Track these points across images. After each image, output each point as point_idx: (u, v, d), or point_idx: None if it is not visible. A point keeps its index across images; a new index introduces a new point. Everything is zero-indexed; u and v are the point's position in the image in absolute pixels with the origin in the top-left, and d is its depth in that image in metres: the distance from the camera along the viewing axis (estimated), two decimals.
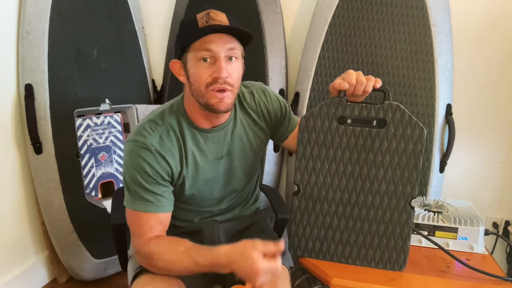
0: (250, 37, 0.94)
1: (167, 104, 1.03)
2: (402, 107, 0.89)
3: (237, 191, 1.11)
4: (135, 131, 0.97)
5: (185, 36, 0.92)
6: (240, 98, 1.07)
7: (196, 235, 1.10)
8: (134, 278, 0.97)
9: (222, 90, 0.91)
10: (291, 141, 1.13)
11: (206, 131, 1.00)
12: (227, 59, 0.91)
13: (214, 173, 1.04)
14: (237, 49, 0.93)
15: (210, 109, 0.94)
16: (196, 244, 0.90)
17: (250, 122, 1.07)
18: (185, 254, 0.88)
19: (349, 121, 0.92)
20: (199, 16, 0.91)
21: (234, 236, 1.13)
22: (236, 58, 0.93)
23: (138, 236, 0.95)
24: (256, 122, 1.08)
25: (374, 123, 0.91)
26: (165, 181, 0.96)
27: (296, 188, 0.98)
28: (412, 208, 0.92)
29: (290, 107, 1.15)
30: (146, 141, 0.94)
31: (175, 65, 0.98)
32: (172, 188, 1.00)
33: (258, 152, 1.11)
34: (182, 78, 0.97)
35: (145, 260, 0.94)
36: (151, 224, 0.95)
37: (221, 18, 0.91)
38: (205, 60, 0.90)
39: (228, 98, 0.93)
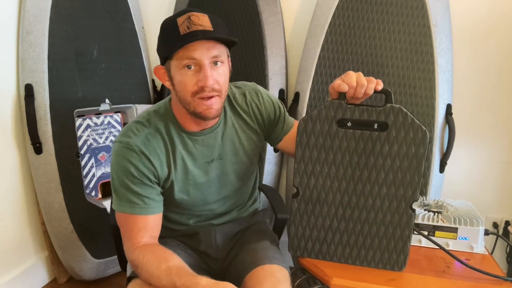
0: (234, 42, 0.91)
1: (153, 107, 1.02)
2: (405, 110, 0.87)
3: (231, 195, 1.09)
4: (122, 132, 0.97)
5: (166, 43, 0.89)
6: (230, 99, 1.04)
7: (193, 238, 1.09)
8: (129, 279, 0.97)
9: (209, 97, 0.89)
10: (285, 143, 1.10)
11: (194, 134, 0.99)
12: (212, 64, 0.89)
13: (205, 177, 1.03)
14: (222, 54, 0.90)
15: (199, 117, 0.92)
16: (181, 265, 0.87)
17: (242, 124, 1.05)
18: (165, 273, 0.85)
19: (349, 124, 0.90)
20: (179, 20, 0.87)
21: (232, 238, 1.12)
22: (221, 62, 0.90)
23: (127, 239, 0.95)
24: (248, 124, 1.05)
25: (375, 126, 0.89)
26: (151, 182, 0.95)
27: (295, 190, 0.98)
28: (413, 210, 0.92)
29: (285, 108, 1.12)
30: (130, 141, 0.93)
31: (159, 71, 0.95)
32: (160, 189, 0.99)
33: (252, 155, 1.08)
34: (167, 84, 0.95)
35: (132, 265, 0.94)
36: (139, 227, 0.94)
37: (202, 21, 0.87)
38: (189, 67, 0.88)
39: (216, 104, 0.92)
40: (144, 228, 0.95)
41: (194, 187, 1.02)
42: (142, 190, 0.94)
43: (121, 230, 0.97)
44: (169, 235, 1.09)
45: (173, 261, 0.88)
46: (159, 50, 0.93)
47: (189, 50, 0.86)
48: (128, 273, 1.01)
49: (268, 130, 1.09)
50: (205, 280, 0.81)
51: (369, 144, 0.91)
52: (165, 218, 1.02)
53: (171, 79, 0.93)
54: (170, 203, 1.03)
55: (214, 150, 1.02)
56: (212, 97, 0.90)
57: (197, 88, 0.89)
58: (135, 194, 0.93)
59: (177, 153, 0.98)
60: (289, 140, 1.09)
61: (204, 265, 1.09)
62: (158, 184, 0.98)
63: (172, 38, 0.87)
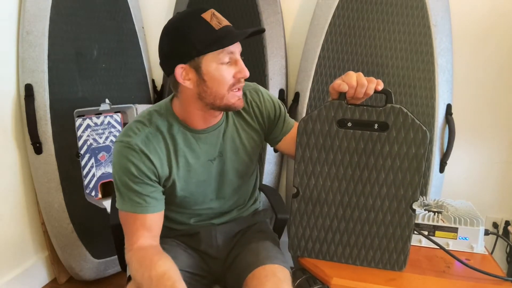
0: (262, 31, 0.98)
1: (154, 107, 1.02)
2: (405, 110, 0.87)
3: (231, 194, 1.10)
4: (122, 132, 0.97)
5: (200, 39, 0.87)
6: None
7: (194, 237, 1.09)
8: (130, 278, 0.97)
9: (239, 88, 0.94)
10: (284, 144, 1.10)
11: (198, 132, 0.99)
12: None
13: (206, 175, 1.03)
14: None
15: (230, 109, 0.96)
16: (163, 274, 0.85)
17: (242, 123, 1.06)
18: (147, 282, 0.84)
19: (349, 124, 0.90)
20: (206, 16, 0.88)
21: (233, 238, 1.12)
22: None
23: (126, 238, 0.96)
24: (249, 123, 1.06)
25: (376, 126, 0.89)
26: (152, 181, 0.96)
27: (295, 190, 0.98)
28: (414, 210, 0.92)
29: (286, 109, 1.13)
30: (131, 141, 0.94)
31: (179, 70, 0.91)
32: (161, 188, 0.99)
33: (253, 154, 1.09)
34: (188, 83, 0.92)
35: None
36: (138, 225, 0.94)
37: (222, 17, 0.92)
38: (227, 62, 0.91)
39: (241, 94, 0.97)
40: (143, 226, 0.95)
41: (196, 185, 1.03)
42: (143, 189, 0.94)
43: (123, 228, 0.98)
44: (169, 235, 1.09)
45: (155, 270, 0.85)
46: (185, 47, 0.89)
47: (230, 46, 0.90)
48: (128, 273, 1.01)
49: (268, 129, 1.10)
50: None
51: (369, 145, 0.90)
52: (165, 217, 1.02)
53: (201, 75, 0.90)
54: (171, 202, 1.03)
55: (216, 148, 1.03)
56: (239, 88, 0.95)
57: (234, 80, 0.92)
58: (136, 193, 0.94)
59: (179, 151, 0.99)
60: (288, 141, 1.09)
61: (205, 265, 1.09)
62: (159, 183, 0.98)
63: (208, 35, 0.88)
